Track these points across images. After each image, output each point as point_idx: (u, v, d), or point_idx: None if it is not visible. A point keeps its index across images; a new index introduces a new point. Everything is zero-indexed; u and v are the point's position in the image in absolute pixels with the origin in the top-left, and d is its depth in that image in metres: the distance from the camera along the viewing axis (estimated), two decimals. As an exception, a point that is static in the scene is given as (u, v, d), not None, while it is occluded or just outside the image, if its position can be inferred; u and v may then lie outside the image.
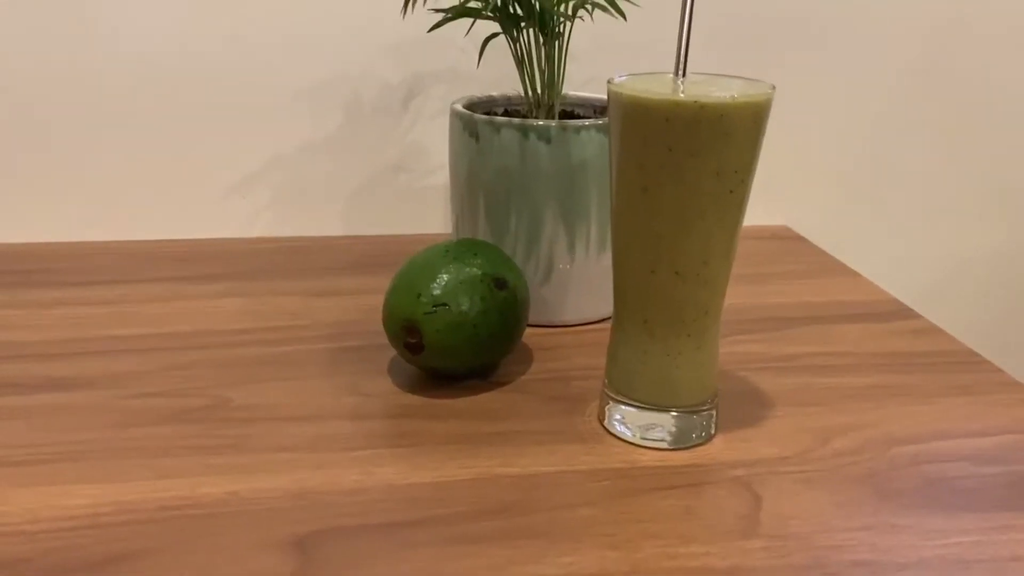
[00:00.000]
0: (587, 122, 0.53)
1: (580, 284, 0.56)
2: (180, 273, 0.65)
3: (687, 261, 0.41)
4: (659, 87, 0.40)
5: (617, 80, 0.41)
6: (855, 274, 0.68)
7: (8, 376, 0.49)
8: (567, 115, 0.62)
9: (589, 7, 0.54)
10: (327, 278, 0.64)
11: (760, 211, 0.80)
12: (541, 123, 0.53)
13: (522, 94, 0.57)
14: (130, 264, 0.66)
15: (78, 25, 0.66)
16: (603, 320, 0.57)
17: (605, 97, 0.61)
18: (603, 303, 0.56)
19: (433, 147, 0.73)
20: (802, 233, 0.79)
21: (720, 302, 0.43)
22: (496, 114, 0.62)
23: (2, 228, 0.69)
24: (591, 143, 0.53)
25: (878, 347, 0.56)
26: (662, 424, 0.44)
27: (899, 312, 0.61)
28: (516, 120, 0.53)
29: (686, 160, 0.38)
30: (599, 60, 0.69)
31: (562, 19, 0.54)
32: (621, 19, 0.53)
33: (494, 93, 0.62)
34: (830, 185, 0.81)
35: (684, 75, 0.42)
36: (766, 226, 0.79)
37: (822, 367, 0.53)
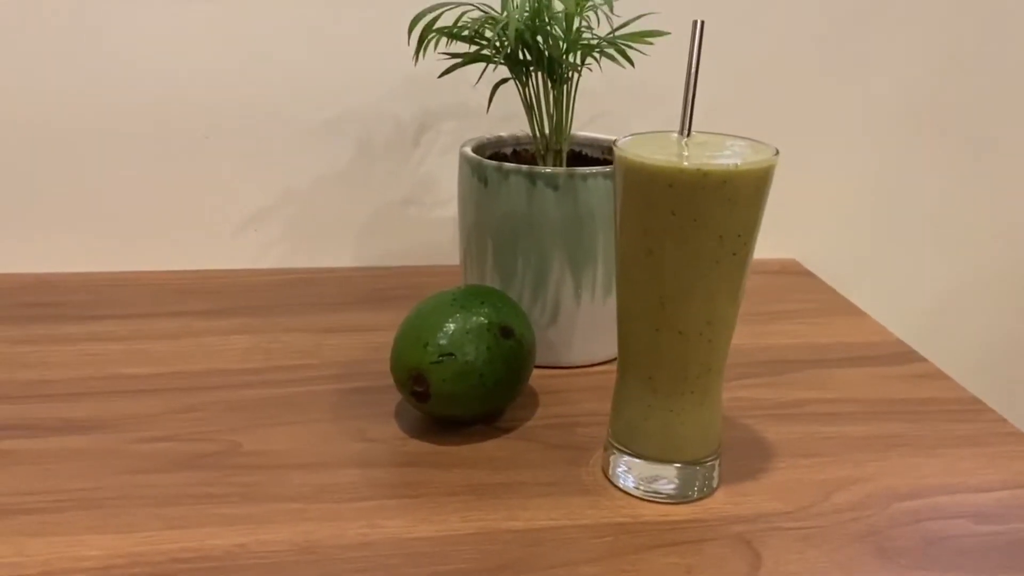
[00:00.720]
0: (594, 169, 0.54)
1: (586, 326, 0.57)
2: (191, 307, 0.66)
3: (691, 321, 0.41)
4: (663, 150, 0.40)
5: (621, 142, 0.42)
6: (861, 313, 0.69)
7: (24, 417, 0.50)
8: (575, 155, 0.63)
9: (597, 55, 0.55)
10: (337, 313, 0.65)
11: (769, 244, 0.80)
12: (549, 170, 0.53)
13: (531, 134, 0.58)
14: (142, 297, 0.67)
15: (94, 58, 0.67)
16: (609, 361, 0.58)
17: (613, 137, 0.63)
18: (608, 344, 0.57)
19: (443, 181, 0.74)
20: (811, 266, 0.79)
21: (723, 359, 0.44)
22: (505, 155, 0.63)
23: (15, 258, 0.70)
24: (598, 190, 0.54)
25: (881, 393, 0.56)
26: (665, 477, 0.44)
27: (903, 355, 0.62)
28: (524, 167, 0.54)
29: (689, 225, 0.39)
30: (607, 96, 0.70)
31: (569, 69, 0.54)
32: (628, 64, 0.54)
33: (503, 133, 0.63)
34: (840, 218, 0.81)
35: (689, 134, 0.43)
36: (774, 259, 0.80)
37: (824, 415, 0.53)
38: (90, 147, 0.69)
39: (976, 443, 0.51)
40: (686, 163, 0.38)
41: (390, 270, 0.74)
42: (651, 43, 0.54)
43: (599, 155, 0.64)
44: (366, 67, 0.70)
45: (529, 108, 0.57)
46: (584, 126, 0.67)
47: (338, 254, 0.74)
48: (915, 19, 0.76)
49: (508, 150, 0.63)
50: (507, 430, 0.50)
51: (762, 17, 0.74)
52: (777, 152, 0.40)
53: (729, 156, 0.40)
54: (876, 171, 0.80)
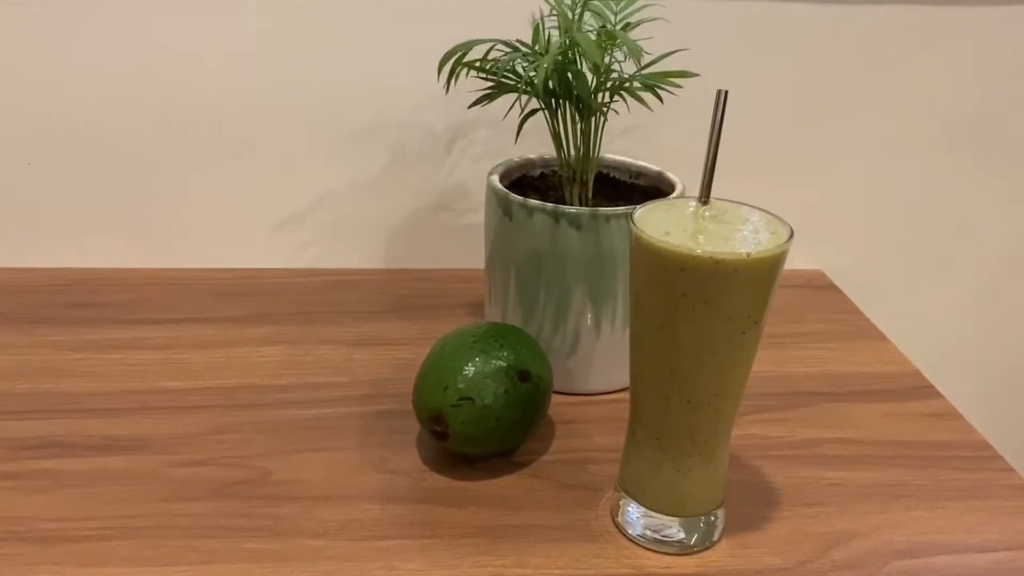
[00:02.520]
0: (619, 209, 0.55)
1: (605, 356, 0.59)
2: (227, 312, 0.68)
3: (700, 392, 0.43)
4: (678, 226, 0.41)
5: (637, 215, 0.42)
6: (882, 337, 0.69)
7: (68, 433, 0.53)
8: (603, 178, 0.64)
9: (624, 95, 0.55)
10: (368, 323, 0.68)
11: (795, 254, 0.80)
12: (573, 210, 0.54)
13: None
14: (180, 299, 0.70)
15: (135, 60, 0.69)
16: (624, 389, 0.59)
17: (640, 162, 0.63)
18: (625, 372, 0.58)
19: (473, 188, 0.75)
20: (838, 277, 0.79)
21: (731, 423, 0.45)
22: (533, 178, 0.64)
23: (56, 253, 0.73)
24: (620, 231, 0.55)
25: (892, 434, 0.57)
26: (669, 528, 0.46)
27: (919, 390, 0.62)
28: (549, 206, 0.55)
29: (700, 307, 0.40)
30: (636, 107, 0.70)
31: (595, 110, 0.55)
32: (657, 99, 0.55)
33: (532, 155, 0.64)
34: (871, 229, 0.81)
35: (707, 202, 0.43)
36: (800, 271, 0.80)
37: (832, 458, 0.55)
38: (133, 150, 0.71)
39: (980, 495, 0.52)
40: (699, 251, 0.39)
41: (420, 273, 0.76)
42: (679, 86, 0.54)
43: (626, 179, 0.64)
44: (401, 78, 0.70)
45: (556, 138, 0.58)
46: (614, 139, 0.68)
47: (370, 257, 0.76)
48: (953, 29, 0.74)
49: (536, 172, 0.64)
50: (522, 465, 0.53)
51: (796, 21, 0.73)
52: (791, 235, 0.41)
53: (744, 238, 0.41)
54: (909, 181, 0.80)
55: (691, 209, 0.43)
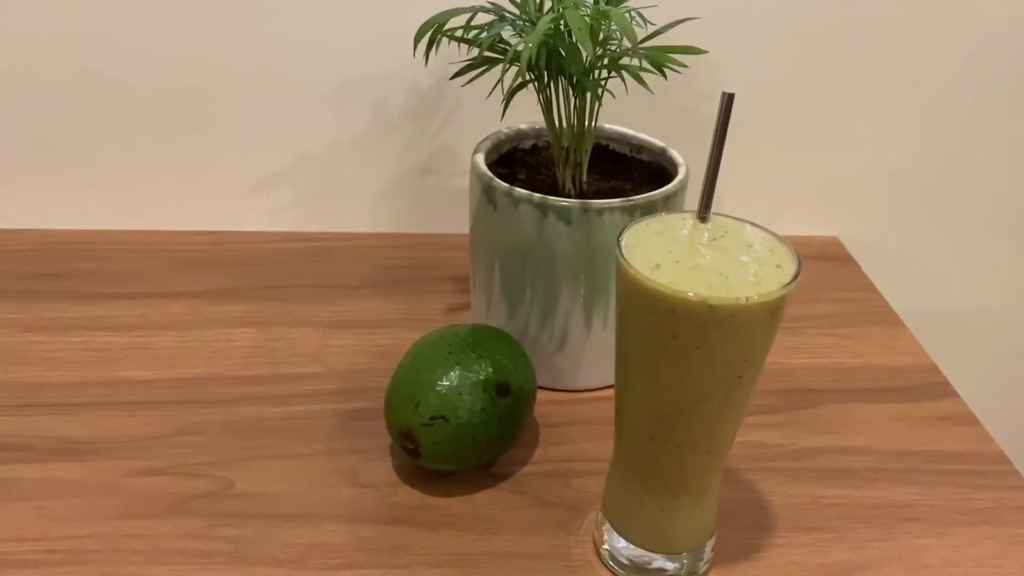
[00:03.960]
0: (613, 203, 0.49)
1: (594, 354, 0.54)
2: (200, 285, 0.64)
3: (690, 436, 0.39)
4: (671, 254, 0.37)
5: (625, 239, 0.37)
6: (897, 323, 0.65)
7: (20, 434, 0.50)
8: (601, 151, 0.58)
9: (623, 74, 0.49)
10: (349, 301, 0.63)
11: (810, 220, 0.75)
12: (563, 203, 0.49)
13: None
14: (150, 267, 0.66)
15: (107, 20, 0.63)
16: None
17: (644, 136, 0.58)
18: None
19: (462, 149, 0.69)
20: (854, 246, 0.74)
21: (724, 460, 0.41)
22: (525, 150, 0.58)
23: (29, 214, 0.69)
24: (614, 226, 0.50)
25: (902, 442, 0.53)
26: (653, 563, 0.43)
27: (933, 387, 0.58)
28: (536, 197, 0.50)
29: (691, 351, 0.36)
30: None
31: (589, 88, 0.49)
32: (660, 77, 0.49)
33: (523, 126, 0.58)
34: (890, 194, 0.75)
35: (706, 219, 0.39)
36: (815, 237, 0.75)
37: (835, 472, 0.51)
38: (100, 105, 0.66)
39: (991, 520, 0.48)
40: (691, 294, 0.34)
41: (406, 238, 0.71)
42: (685, 65, 0.48)
43: (627, 152, 0.59)
44: (383, 30, 0.64)
45: (548, 114, 0.52)
46: (611, 104, 0.62)
47: (353, 220, 0.72)
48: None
49: (528, 144, 0.59)
50: (502, 477, 0.49)
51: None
52: (798, 270, 0.36)
53: (744, 273, 0.36)
54: (932, 143, 0.73)
55: (687, 230, 0.39)
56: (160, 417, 0.52)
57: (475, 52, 0.49)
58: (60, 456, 0.49)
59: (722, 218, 0.39)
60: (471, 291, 0.58)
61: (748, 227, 0.39)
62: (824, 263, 0.72)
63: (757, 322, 0.35)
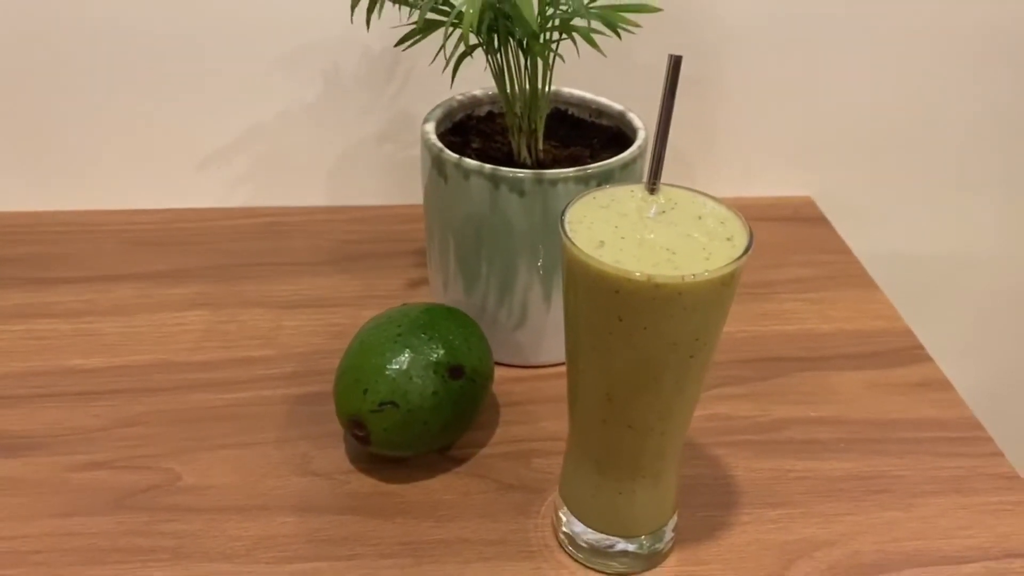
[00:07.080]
0: (567, 172, 0.47)
1: (556, 328, 0.52)
2: (150, 266, 0.62)
3: (642, 418, 0.37)
4: (616, 230, 0.34)
5: (569, 214, 0.35)
6: (871, 285, 0.63)
7: (-39, 430, 0.48)
8: (560, 115, 0.56)
9: (574, 36, 0.46)
10: (304, 279, 0.61)
11: (782, 179, 0.73)
12: (515, 174, 0.47)
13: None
14: (97, 251, 0.63)
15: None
16: (581, 360, 0.54)
17: (603, 99, 0.55)
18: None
19: (418, 116, 0.65)
20: (828, 205, 0.72)
21: (681, 441, 0.40)
22: (480, 117, 0.56)
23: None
24: (569, 196, 0.47)
25: (874, 411, 0.52)
26: (613, 547, 0.42)
27: (907, 352, 0.57)
28: (487, 168, 0.47)
29: (638, 332, 0.34)
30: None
31: (539, 52, 0.46)
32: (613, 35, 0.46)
33: (477, 92, 0.56)
34: (864, 151, 0.73)
35: (655, 190, 0.36)
36: (788, 198, 0.73)
37: (804, 444, 0.49)
38: (39, 79, 0.63)
39: (962, 488, 0.47)
40: (636, 273, 0.32)
41: (363, 211, 0.69)
42: (639, 24, 0.46)
43: (586, 116, 0.56)
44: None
45: (500, 79, 0.50)
46: (572, 66, 0.59)
47: (308, 193, 0.69)
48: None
49: (483, 111, 0.56)
50: (460, 461, 0.48)
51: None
52: (750, 243, 0.34)
53: (692, 248, 0.34)
54: (908, 97, 0.71)
55: (635, 203, 0.36)
56: (105, 408, 0.50)
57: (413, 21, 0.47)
58: (0, 453, 0.47)
59: (672, 189, 0.37)
60: (428, 267, 0.56)
61: (699, 198, 0.37)
62: (796, 224, 0.70)
63: (707, 300, 0.33)
